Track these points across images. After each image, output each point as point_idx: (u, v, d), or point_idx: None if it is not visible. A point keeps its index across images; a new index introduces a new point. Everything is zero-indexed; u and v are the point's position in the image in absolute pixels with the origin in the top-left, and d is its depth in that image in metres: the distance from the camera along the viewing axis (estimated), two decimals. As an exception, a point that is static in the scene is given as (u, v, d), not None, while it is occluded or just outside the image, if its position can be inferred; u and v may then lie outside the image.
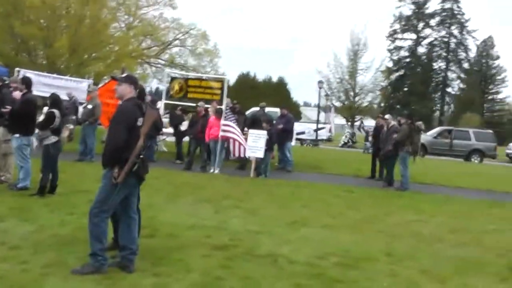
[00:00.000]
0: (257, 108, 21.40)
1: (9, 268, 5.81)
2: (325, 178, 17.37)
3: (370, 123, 48.21)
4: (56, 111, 10.03)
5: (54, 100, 10.37)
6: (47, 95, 18.99)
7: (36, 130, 10.25)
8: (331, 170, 19.61)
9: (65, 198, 10.05)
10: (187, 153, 18.10)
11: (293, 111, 48.55)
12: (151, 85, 66.41)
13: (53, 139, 10.04)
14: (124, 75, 6.90)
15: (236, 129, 16.26)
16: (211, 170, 16.16)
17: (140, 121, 6.02)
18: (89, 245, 5.96)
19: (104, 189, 5.96)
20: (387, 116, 17.55)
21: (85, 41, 26.46)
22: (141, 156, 5.96)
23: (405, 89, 77.85)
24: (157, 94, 24.97)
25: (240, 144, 16.29)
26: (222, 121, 16.12)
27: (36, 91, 15.15)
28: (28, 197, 9.88)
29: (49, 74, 22.76)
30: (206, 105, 17.76)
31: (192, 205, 10.60)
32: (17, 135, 10.51)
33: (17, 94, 10.89)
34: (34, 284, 5.38)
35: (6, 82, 12.79)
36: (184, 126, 18.87)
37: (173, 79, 22.47)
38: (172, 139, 21.05)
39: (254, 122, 17.90)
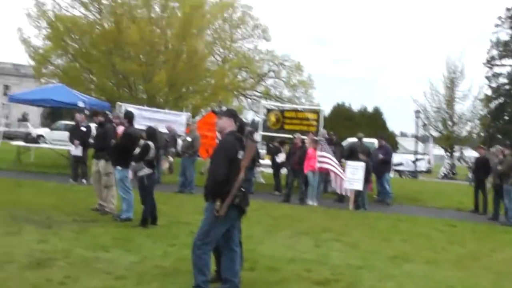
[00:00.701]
0: (354, 139, 21.10)
1: (116, 298, 5.94)
2: (426, 211, 16.83)
3: (470, 153, 46.51)
4: (151, 144, 10.27)
5: (150, 133, 10.63)
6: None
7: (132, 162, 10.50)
8: (432, 203, 18.98)
9: (166, 230, 10.23)
10: (285, 185, 18.09)
11: (390, 142, 47.58)
12: (247, 117, 67.22)
13: (147, 170, 10.26)
14: (224, 108, 7.00)
15: (333, 161, 16.09)
16: (309, 202, 16.02)
17: (241, 154, 6.06)
18: (193, 277, 6.00)
19: (206, 222, 6.02)
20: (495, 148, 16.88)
21: (183, 75, 27.22)
22: (242, 189, 5.98)
23: (506, 117, 74.44)
24: (253, 126, 25.29)
25: (339, 177, 16.08)
26: (319, 153, 15.99)
27: (137, 124, 15.69)
28: (132, 228, 10.13)
29: (149, 108, 23.50)
30: (303, 136, 17.75)
31: (291, 238, 10.50)
32: (119, 167, 10.88)
33: (120, 129, 11.32)
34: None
35: (109, 116, 13.35)
36: (281, 157, 18.89)
37: (269, 110, 22.70)
38: (269, 170, 21.14)
39: (352, 153, 17.65)
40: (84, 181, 16.45)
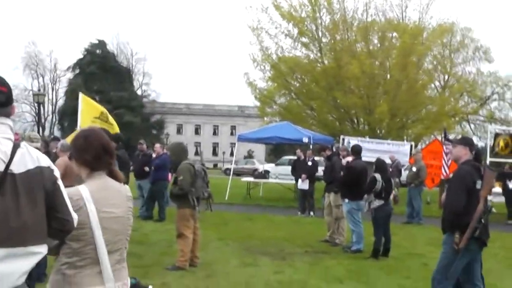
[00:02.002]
0: None
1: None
2: None
3: None
4: (377, 175, 10.27)
5: (378, 165, 10.68)
6: (372, 159, 19.66)
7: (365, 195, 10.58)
8: None
9: (399, 262, 10.06)
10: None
11: None
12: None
13: (376, 203, 10.24)
14: (459, 137, 6.75)
15: None
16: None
17: (479, 184, 5.79)
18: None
19: (445, 256, 5.83)
20: None
21: (404, 105, 26.83)
22: (482, 221, 5.68)
23: None
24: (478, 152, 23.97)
25: None
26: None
27: (362, 156, 15.79)
28: (363, 259, 10.13)
29: (372, 139, 23.52)
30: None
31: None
32: (346, 200, 11.09)
33: (344, 161, 11.55)
34: None
35: (335, 149, 13.61)
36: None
37: (497, 135, 21.48)
38: (499, 199, 19.82)
39: None
40: (311, 213, 16.86)
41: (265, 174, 32.29)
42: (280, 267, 9.15)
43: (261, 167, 41.25)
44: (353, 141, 22.52)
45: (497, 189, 19.42)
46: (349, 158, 11.67)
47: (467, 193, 5.72)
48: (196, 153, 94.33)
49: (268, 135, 22.44)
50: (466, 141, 6.15)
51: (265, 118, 33.41)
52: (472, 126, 46.57)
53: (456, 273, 5.84)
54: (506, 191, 18.29)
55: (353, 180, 10.86)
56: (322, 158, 14.51)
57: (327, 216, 12.26)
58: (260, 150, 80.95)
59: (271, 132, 22.41)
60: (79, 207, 2.86)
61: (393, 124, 27.85)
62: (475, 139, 50.72)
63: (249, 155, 79.75)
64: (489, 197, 19.15)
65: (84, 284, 2.90)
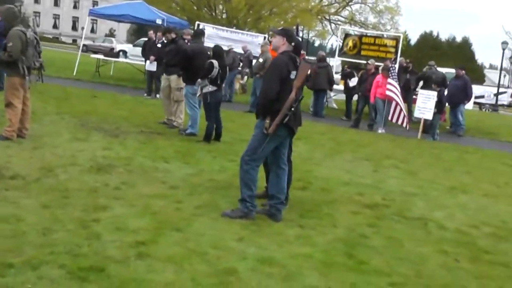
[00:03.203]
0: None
1: (165, 205, 6.22)
2: (499, 145, 16.33)
3: None
4: (215, 62, 10.27)
5: (215, 52, 10.67)
6: (225, 48, 19.73)
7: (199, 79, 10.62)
8: (507, 137, 18.31)
9: (228, 146, 10.43)
10: (355, 111, 17.93)
11: (476, 74, 45.74)
12: (330, 42, 66.06)
13: (210, 88, 10.31)
14: (280, 28, 6.94)
15: (398, 90, 15.50)
16: (379, 131, 15.78)
17: (293, 74, 6.06)
18: (240, 191, 6.20)
19: (255, 139, 6.12)
20: None
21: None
22: (293, 109, 6.00)
23: None
24: (333, 51, 24.86)
25: (400, 109, 15.58)
26: (388, 80, 15.49)
27: (214, 43, 15.81)
28: (195, 142, 10.41)
29: (227, 28, 23.58)
30: (377, 63, 17.38)
31: (351, 162, 10.50)
32: (184, 84, 11.18)
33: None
34: (184, 222, 5.71)
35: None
36: (353, 82, 18.58)
37: (347, 35, 22.37)
38: (343, 96, 20.90)
39: (425, 82, 17.23)
40: (157, 96, 16.89)
41: (119, 53, 31.50)
42: (110, 144, 9.20)
43: (119, 46, 40.16)
44: (208, 28, 22.50)
45: (340, 86, 20.45)
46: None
47: (281, 81, 5.98)
48: (55, 27, 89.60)
49: (121, 13, 21.66)
50: (285, 32, 6.30)
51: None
52: (334, 26, 47.87)
53: (263, 156, 6.19)
54: (346, 89, 19.21)
55: (186, 63, 10.90)
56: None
57: (165, 99, 12.32)
58: (122, 29, 78.44)
59: (124, 10, 21.69)
60: None
61: (251, 15, 27.94)
62: (333, 39, 52.29)
63: (111, 34, 77.18)
64: (331, 94, 20.32)
65: None
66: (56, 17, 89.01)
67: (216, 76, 10.22)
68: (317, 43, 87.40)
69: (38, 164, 7.32)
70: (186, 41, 12.24)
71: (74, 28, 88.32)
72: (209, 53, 11.05)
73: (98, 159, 8.04)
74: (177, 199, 6.50)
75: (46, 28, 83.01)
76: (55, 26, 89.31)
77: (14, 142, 8.47)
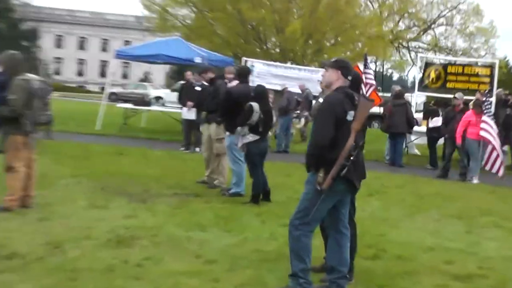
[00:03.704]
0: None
1: (198, 285, 6.11)
2: None
3: None
4: (255, 105, 10.19)
5: (257, 93, 10.62)
6: (278, 87, 19.80)
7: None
8: None
9: (282, 207, 10.15)
10: (442, 157, 17.57)
11: None
12: (410, 73, 65.66)
13: (251, 137, 10.26)
14: (333, 59, 6.85)
15: (493, 130, 15.01)
16: (474, 181, 15.35)
17: (350, 115, 5.92)
18: (290, 263, 6.03)
19: (307, 197, 6.00)
20: None
21: (323, 24, 26.94)
22: (352, 158, 5.84)
23: None
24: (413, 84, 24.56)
25: (497, 154, 15.01)
26: (483, 117, 15.05)
27: (266, 83, 15.89)
28: (240, 205, 10.31)
29: (280, 64, 23.75)
30: (467, 97, 17.08)
31: (437, 222, 10.24)
32: (228, 133, 11.05)
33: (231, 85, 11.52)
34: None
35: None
36: (435, 122, 18.21)
37: (428, 65, 22.12)
38: (425, 140, 20.53)
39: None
40: (197, 149, 16.94)
41: (151, 100, 31.89)
42: (135, 211, 9.20)
43: (154, 92, 40.98)
44: (258, 64, 22.67)
45: (423, 128, 20.12)
46: (235, 83, 11.63)
47: (336, 125, 5.85)
48: (79, 74, 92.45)
49: (152, 52, 21.93)
50: (338, 64, 6.20)
51: (160, 33, 32.85)
52: (413, 54, 47.49)
53: (317, 218, 6.02)
54: (428, 130, 18.88)
55: (231, 109, 10.87)
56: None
57: (206, 152, 12.31)
58: (160, 72, 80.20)
59: (156, 49, 21.92)
60: None
61: (309, 47, 28.07)
62: (414, 70, 52.01)
63: (145, 78, 78.83)
64: (412, 137, 20.01)
65: None
66: (81, 62, 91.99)
67: (257, 122, 10.14)
68: (395, 76, 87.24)
69: (43, 239, 7.33)
70: (226, 80, 12.28)
71: (102, 74, 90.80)
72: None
73: (119, 230, 8.01)
74: (214, 277, 6.38)
75: (70, 75, 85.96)
76: (80, 73, 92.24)
77: (17, 213, 8.55)
